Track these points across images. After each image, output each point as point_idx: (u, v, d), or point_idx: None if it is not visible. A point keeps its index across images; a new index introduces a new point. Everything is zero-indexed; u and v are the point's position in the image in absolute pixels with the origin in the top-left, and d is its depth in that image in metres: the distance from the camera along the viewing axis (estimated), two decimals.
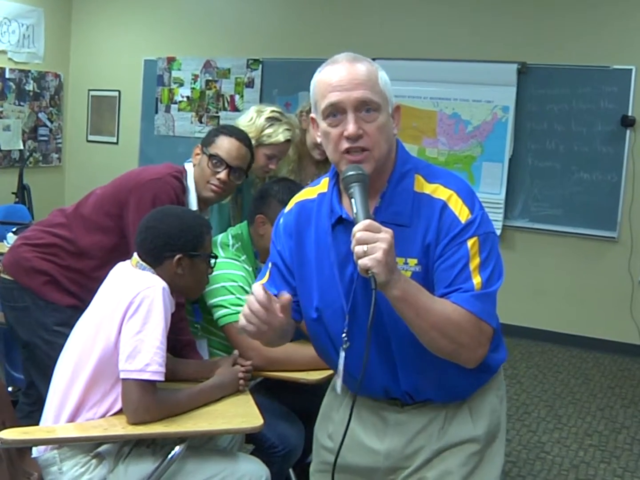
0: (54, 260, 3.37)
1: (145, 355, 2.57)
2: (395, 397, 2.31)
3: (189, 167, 3.45)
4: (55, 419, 2.70)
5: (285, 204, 3.32)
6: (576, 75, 7.34)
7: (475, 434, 2.31)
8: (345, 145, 2.10)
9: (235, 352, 3.13)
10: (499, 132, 7.59)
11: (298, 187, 3.46)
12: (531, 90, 7.53)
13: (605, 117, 7.27)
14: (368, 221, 1.94)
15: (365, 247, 1.90)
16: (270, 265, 2.40)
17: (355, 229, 1.93)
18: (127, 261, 2.87)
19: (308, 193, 2.41)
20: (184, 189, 3.36)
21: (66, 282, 3.37)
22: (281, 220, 2.44)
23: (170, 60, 9.33)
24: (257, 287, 2.02)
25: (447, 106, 7.80)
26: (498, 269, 2.16)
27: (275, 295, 2.13)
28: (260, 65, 8.82)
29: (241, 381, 2.98)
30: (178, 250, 2.79)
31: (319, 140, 2.22)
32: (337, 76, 2.14)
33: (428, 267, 2.14)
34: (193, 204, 3.38)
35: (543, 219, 7.59)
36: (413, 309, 2.01)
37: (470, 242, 2.10)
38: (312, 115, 2.23)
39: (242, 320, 2.05)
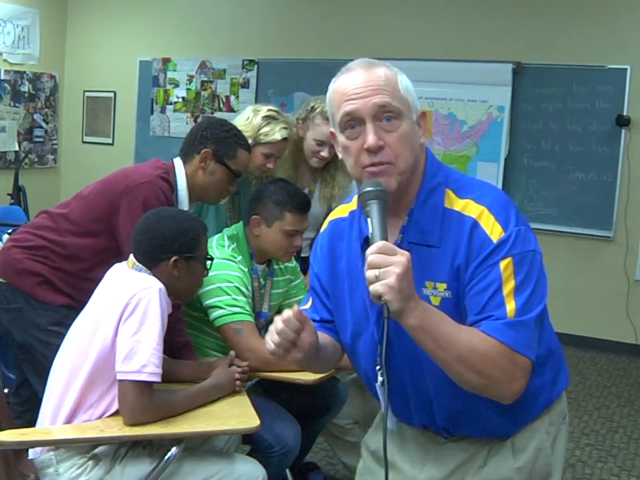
0: (46, 262, 3.34)
1: (142, 357, 2.56)
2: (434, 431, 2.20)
3: (178, 163, 3.42)
4: (52, 421, 2.69)
5: (281, 205, 3.35)
6: (571, 75, 7.35)
7: (513, 474, 2.13)
8: (366, 160, 1.95)
9: (232, 352, 3.13)
10: (494, 132, 7.59)
11: (294, 188, 3.47)
12: (526, 90, 7.54)
13: (600, 117, 7.28)
14: (382, 243, 1.79)
15: (377, 272, 1.75)
16: (311, 290, 2.31)
17: (368, 251, 1.79)
18: (124, 262, 2.86)
19: (341, 211, 2.26)
20: (173, 189, 3.34)
21: (59, 282, 3.35)
22: (318, 240, 2.31)
23: (166, 61, 9.32)
24: (287, 311, 1.89)
25: (443, 106, 7.80)
26: (539, 293, 1.96)
27: (315, 320, 2.07)
28: (256, 66, 8.81)
29: (237, 382, 2.98)
30: (174, 252, 2.79)
31: (340, 155, 2.07)
32: (352, 84, 1.97)
33: (459, 293, 1.97)
34: (184, 202, 3.37)
35: (539, 219, 7.58)
36: (433, 340, 1.85)
37: (503, 264, 1.92)
38: (331, 129, 2.09)
39: (269, 345, 1.90)
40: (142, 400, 2.58)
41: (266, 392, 3.43)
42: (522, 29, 7.59)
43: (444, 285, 1.98)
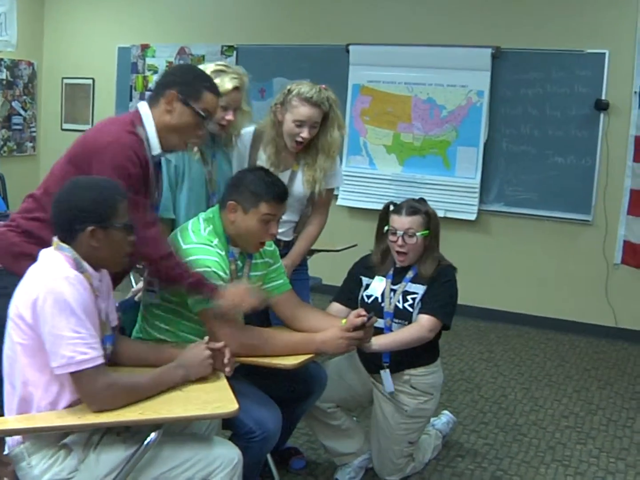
0: (41, 243, 3.30)
1: (66, 349, 2.51)
2: None
3: (143, 108, 3.32)
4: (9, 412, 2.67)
5: (258, 196, 3.33)
6: (550, 60, 7.36)
7: None
8: None
9: (206, 338, 3.09)
10: (474, 116, 7.61)
11: (272, 178, 3.46)
12: (505, 75, 7.54)
13: (579, 101, 7.30)
14: None
15: None
16: None
17: None
18: (50, 247, 2.78)
19: None
20: (142, 140, 3.23)
21: None
22: None
23: (144, 47, 9.28)
24: None
25: (422, 91, 7.80)
26: None
27: None
28: (235, 52, 8.78)
29: (227, 369, 2.96)
30: (90, 222, 2.69)
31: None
32: None
33: None
34: (156, 148, 3.27)
35: (518, 203, 7.62)
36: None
37: None
38: None
39: None
40: (89, 387, 2.56)
41: (247, 377, 3.43)
42: (501, 14, 7.60)
43: None
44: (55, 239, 2.76)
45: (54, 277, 2.60)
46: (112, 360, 2.95)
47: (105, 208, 2.72)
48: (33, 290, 2.59)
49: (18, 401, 2.65)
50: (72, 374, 2.54)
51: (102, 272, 2.84)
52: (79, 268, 2.68)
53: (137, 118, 3.28)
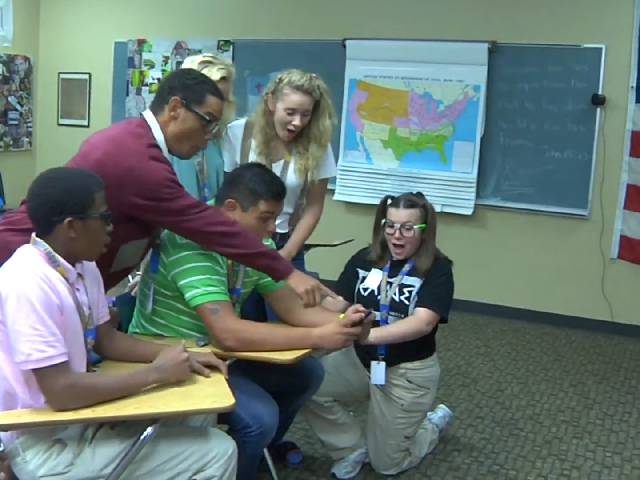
0: None
1: (25, 347, 2.49)
2: None
3: (149, 116, 3.28)
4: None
5: (257, 194, 3.34)
6: (547, 54, 7.35)
7: None
8: None
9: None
10: (471, 111, 7.60)
11: (270, 174, 3.47)
12: (502, 70, 7.54)
13: (575, 96, 7.29)
14: None
15: None
16: None
17: None
18: (28, 244, 2.74)
19: None
20: (161, 150, 3.21)
21: None
22: None
23: (141, 42, 9.26)
24: None
25: (419, 86, 7.79)
26: None
27: None
28: (232, 46, 8.76)
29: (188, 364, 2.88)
30: (67, 213, 2.65)
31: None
32: None
33: None
34: (168, 158, 3.25)
35: (515, 198, 7.63)
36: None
37: None
38: None
39: None
40: (49, 386, 2.53)
41: (243, 371, 3.43)
42: (498, 8, 7.58)
43: None
44: (32, 235, 2.73)
45: (19, 274, 2.57)
46: (101, 354, 2.95)
47: (82, 198, 2.67)
48: (0, 286, 2.58)
49: (2, 396, 2.64)
50: (33, 371, 2.52)
51: (87, 266, 2.83)
52: (52, 263, 2.66)
53: (147, 127, 3.25)
